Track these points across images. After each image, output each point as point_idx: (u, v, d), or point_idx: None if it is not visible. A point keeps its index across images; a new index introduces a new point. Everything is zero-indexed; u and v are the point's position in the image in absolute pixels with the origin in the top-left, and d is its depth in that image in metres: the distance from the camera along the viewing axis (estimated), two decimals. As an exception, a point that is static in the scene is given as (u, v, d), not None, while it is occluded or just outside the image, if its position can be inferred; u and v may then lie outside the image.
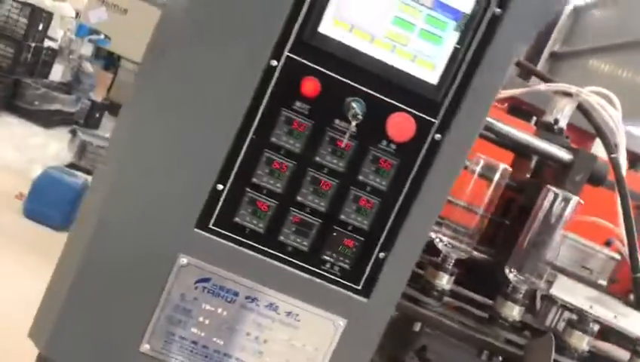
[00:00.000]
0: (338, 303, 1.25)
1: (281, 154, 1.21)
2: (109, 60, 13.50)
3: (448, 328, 1.54)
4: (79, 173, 6.37)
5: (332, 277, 1.25)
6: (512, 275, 1.64)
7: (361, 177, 1.23)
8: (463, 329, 1.54)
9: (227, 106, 1.19)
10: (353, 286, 1.26)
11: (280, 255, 1.24)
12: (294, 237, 1.23)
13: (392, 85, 1.21)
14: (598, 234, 2.25)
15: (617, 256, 2.23)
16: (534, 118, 2.77)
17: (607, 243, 2.38)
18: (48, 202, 5.77)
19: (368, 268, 1.26)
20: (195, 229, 1.22)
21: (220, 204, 1.21)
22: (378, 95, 1.21)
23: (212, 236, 1.22)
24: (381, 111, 1.21)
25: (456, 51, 1.20)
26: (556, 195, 1.89)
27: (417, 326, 1.60)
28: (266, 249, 1.24)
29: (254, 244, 1.23)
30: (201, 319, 1.24)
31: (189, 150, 1.19)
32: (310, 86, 1.19)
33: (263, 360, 1.26)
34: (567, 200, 1.95)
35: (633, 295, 2.11)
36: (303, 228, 1.24)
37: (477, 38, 1.21)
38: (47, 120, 9.59)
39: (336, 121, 1.21)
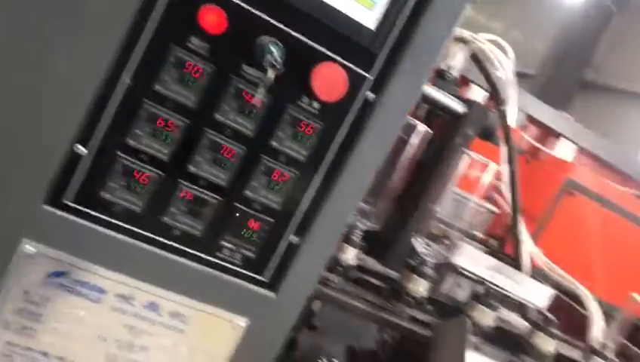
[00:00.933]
0: (238, 299, 1.00)
1: (168, 108, 0.89)
2: None
3: (350, 307, 1.35)
4: None
5: (231, 267, 0.98)
6: (418, 244, 1.48)
7: (274, 143, 0.95)
8: (365, 308, 1.36)
9: (93, 34, 0.84)
10: (258, 278, 1.00)
11: (163, 241, 0.94)
12: (184, 219, 0.94)
13: (321, 26, 0.92)
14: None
15: (496, 210, 2.19)
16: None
17: (489, 199, 2.35)
18: None
19: (277, 257, 1.00)
20: (45, 206, 0.88)
21: (81, 172, 0.88)
22: (302, 38, 0.92)
23: (69, 215, 0.89)
24: (305, 60, 0.92)
25: (401, -11, 0.94)
26: (450, 148, 1.77)
27: (317, 305, 1.40)
28: (144, 233, 0.93)
29: (128, 227, 0.92)
30: (54, 325, 0.93)
31: (35, 95, 0.84)
32: (212, 18, 0.87)
33: (138, 373, 0.98)
34: (459, 153, 1.85)
35: (513, 250, 2.08)
36: (195, 206, 0.94)
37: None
38: None
39: (246, 69, 0.91)
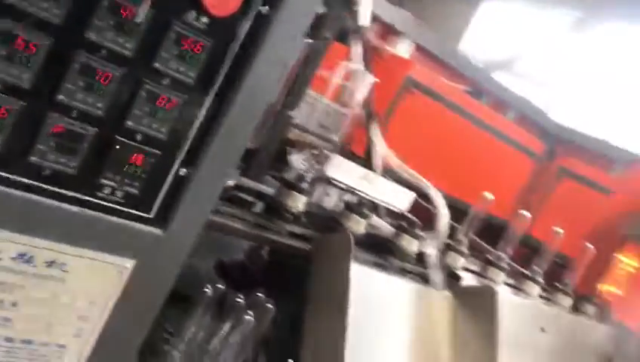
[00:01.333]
0: (122, 240, 0.89)
1: (27, 25, 0.73)
2: None
3: (227, 228, 1.30)
4: None
5: (113, 206, 0.87)
6: (294, 159, 1.45)
7: (157, 65, 0.83)
8: (242, 227, 1.32)
9: None
10: (143, 215, 0.90)
11: (32, 183, 0.80)
12: (55, 156, 0.80)
13: None
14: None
15: (347, 111, 2.22)
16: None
17: (338, 98, 2.36)
18: None
19: (164, 191, 0.91)
20: None
21: None
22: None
23: None
24: (192, -33, 0.80)
25: None
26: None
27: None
28: (7, 176, 0.78)
29: (-13, 169, 0.77)
30: None
31: None
32: None
33: (13, 329, 0.86)
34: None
35: (366, 151, 2.15)
36: (68, 141, 0.81)
37: None
38: None
39: (122, -23, 0.76)
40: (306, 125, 2.11)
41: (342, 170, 1.56)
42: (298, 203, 1.39)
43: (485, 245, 2.30)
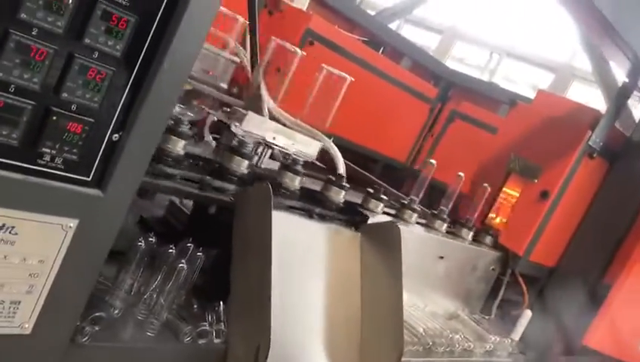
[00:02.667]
0: (65, 202, 0.98)
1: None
2: None
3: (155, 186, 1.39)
4: None
5: (54, 172, 0.95)
6: (233, 127, 1.55)
7: (87, 40, 0.91)
8: (168, 184, 1.41)
9: None
10: (82, 178, 0.99)
11: (-23, 155, 0.87)
12: (-3, 129, 0.87)
13: None
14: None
15: (237, 60, 2.28)
16: None
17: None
18: None
19: (100, 155, 0.99)
20: None
21: None
22: None
23: None
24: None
25: None
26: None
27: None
28: (-47, 149, 0.85)
29: None
30: None
31: None
32: None
33: (-33, 292, 0.93)
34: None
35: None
36: (8, 114, 0.88)
37: None
38: None
39: (49, -40, 0.83)
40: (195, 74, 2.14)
41: (257, 126, 1.68)
42: (242, 166, 1.50)
43: (397, 192, 2.51)
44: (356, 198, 1.94)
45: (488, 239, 2.41)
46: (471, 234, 2.31)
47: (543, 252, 2.51)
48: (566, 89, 8.46)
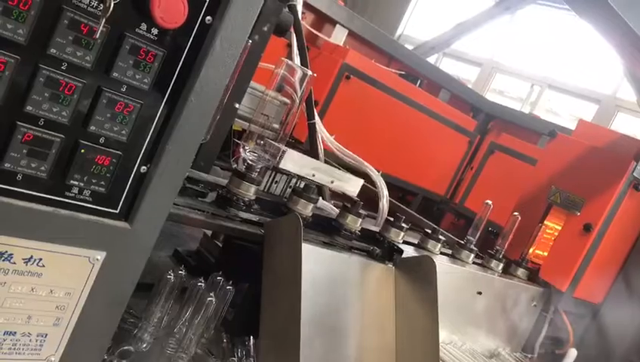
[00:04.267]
0: (93, 234, 0.98)
1: (-7, 45, 0.81)
2: None
3: (184, 218, 1.39)
4: None
5: (82, 204, 0.96)
6: (247, 153, 1.55)
7: (115, 74, 0.92)
8: (199, 217, 1.41)
9: None
10: (110, 210, 1.00)
11: (6, 187, 0.88)
12: (26, 162, 0.88)
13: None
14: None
15: (288, 101, 2.32)
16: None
17: (279, 89, 2.46)
18: None
19: (128, 187, 1.00)
20: None
21: None
22: (137, -38, 0.88)
23: None
24: (141, -15, 0.89)
25: None
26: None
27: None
28: (-16, 182, 0.86)
29: (-36, 178, 0.85)
30: None
31: None
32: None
33: (-5, 324, 0.94)
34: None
35: (309, 138, 2.27)
36: (37, 147, 0.89)
37: None
38: None
39: (79, -3, 0.85)
40: (250, 115, 2.20)
41: (296, 163, 1.67)
42: (249, 191, 1.49)
43: (423, 219, 2.46)
44: (394, 233, 1.91)
45: (521, 272, 2.33)
46: (501, 265, 2.25)
47: (588, 288, 2.41)
48: (610, 120, 8.27)
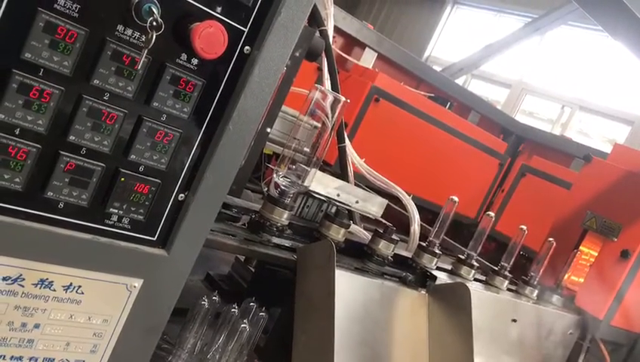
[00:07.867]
0: (131, 262, 0.99)
1: (40, 77, 0.83)
2: None
3: (217, 243, 1.39)
4: None
5: (121, 232, 0.97)
6: (280, 179, 1.55)
7: (156, 103, 0.93)
8: (232, 242, 1.41)
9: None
10: (148, 238, 1.00)
11: (49, 215, 0.90)
12: (68, 191, 0.90)
13: (196, -19, 0.90)
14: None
15: (319, 125, 2.33)
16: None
17: (311, 114, 2.48)
18: None
19: (166, 215, 1.01)
20: None
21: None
22: (178, -6, 0.89)
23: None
24: (182, 18, 0.90)
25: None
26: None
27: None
28: (27, 210, 0.88)
29: (9, 206, 0.86)
30: None
31: None
32: (81, -24, 0.81)
33: (35, 349, 0.95)
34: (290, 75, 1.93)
35: (339, 162, 2.27)
36: (79, 176, 0.90)
37: None
38: None
39: (121, 29, 0.86)
40: (280, 139, 2.22)
41: (321, 183, 1.67)
42: (282, 216, 1.49)
43: (456, 244, 2.43)
44: (427, 258, 1.88)
45: (556, 299, 2.28)
46: (535, 292, 2.20)
47: (626, 316, 2.34)
48: (644, 142, 8.13)
